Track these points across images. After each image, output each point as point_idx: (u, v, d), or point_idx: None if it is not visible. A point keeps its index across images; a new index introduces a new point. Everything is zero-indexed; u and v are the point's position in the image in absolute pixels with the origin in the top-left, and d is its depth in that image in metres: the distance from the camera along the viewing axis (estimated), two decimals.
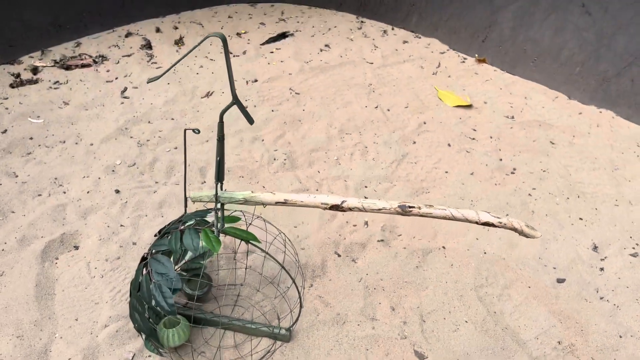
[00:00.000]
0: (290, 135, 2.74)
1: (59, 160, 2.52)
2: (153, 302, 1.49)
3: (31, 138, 2.66)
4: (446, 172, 2.53)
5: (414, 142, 2.72)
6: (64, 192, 2.34)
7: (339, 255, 2.08)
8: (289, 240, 1.84)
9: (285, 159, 2.57)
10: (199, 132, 1.33)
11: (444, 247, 2.11)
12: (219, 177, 1.42)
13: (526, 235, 1.31)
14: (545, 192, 2.40)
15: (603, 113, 2.91)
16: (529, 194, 2.38)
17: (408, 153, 2.64)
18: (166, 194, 2.33)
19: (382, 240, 2.14)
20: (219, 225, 1.51)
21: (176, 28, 3.74)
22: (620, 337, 1.77)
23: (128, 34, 3.61)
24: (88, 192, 2.35)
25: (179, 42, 3.58)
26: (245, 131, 2.76)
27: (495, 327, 1.80)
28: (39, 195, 2.32)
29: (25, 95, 2.98)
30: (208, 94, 3.07)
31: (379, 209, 1.33)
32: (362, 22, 3.92)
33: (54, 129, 2.74)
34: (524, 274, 2.00)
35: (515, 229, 1.31)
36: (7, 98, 2.95)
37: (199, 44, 1.19)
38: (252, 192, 1.44)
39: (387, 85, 3.18)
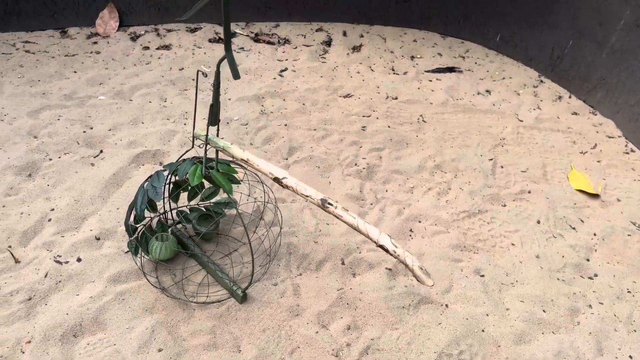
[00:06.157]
0: (387, 152, 2.77)
1: (207, 97, 3.04)
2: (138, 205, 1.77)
3: (193, 80, 3.25)
4: (512, 244, 2.25)
5: (504, 205, 2.47)
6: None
7: (343, 264, 2.07)
8: (277, 206, 1.93)
9: (364, 168, 2.62)
10: (206, 75, 1.54)
11: (446, 306, 1.92)
12: (212, 121, 1.61)
13: (417, 278, 1.17)
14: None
15: None
16: (610, 312, 1.98)
17: (487, 211, 2.42)
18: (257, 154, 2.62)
19: (390, 270, 2.05)
20: (211, 163, 1.72)
21: (362, 36, 4.03)
22: None
23: (319, 29, 4.04)
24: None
25: (357, 48, 3.86)
26: (347, 135, 2.88)
27: None
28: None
29: (213, 50, 3.63)
30: (347, 95, 3.28)
31: (306, 196, 1.35)
32: (541, 81, 3.61)
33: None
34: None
35: (406, 266, 1.18)
36: (200, 47, 3.64)
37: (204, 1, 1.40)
38: (231, 144, 1.60)
39: (520, 146, 2.92)
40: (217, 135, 1.74)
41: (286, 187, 1.42)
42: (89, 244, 2.01)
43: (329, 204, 1.31)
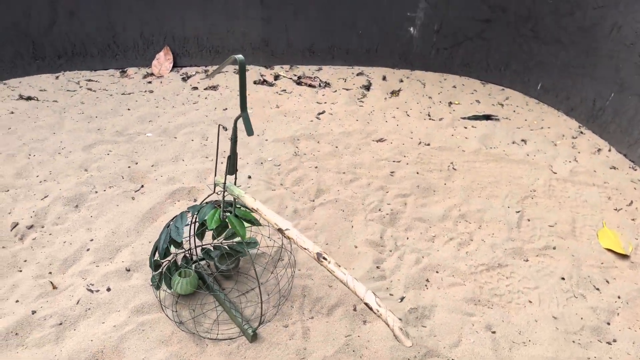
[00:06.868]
0: (412, 199, 2.81)
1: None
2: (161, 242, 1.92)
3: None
4: (530, 301, 2.22)
5: (525, 260, 2.45)
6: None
7: (355, 310, 2.13)
8: (294, 258, 2.03)
9: (387, 213, 2.68)
10: (226, 129, 1.69)
11: None
12: (229, 170, 1.75)
13: (396, 338, 1.22)
14: None
15: None
16: None
17: (507, 265, 2.41)
18: (279, 195, 2.74)
19: (400, 319, 2.08)
20: (230, 208, 1.85)
21: (401, 81, 4.13)
22: None
23: (360, 73, 4.18)
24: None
25: (395, 93, 3.96)
26: (375, 179, 2.95)
27: None
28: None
29: (257, 92, 3.83)
30: (380, 140, 3.37)
31: (304, 248, 1.44)
32: (581, 132, 3.55)
33: (253, 120, 3.47)
34: None
35: (387, 325, 1.23)
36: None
37: (224, 64, 1.55)
38: (245, 193, 1.73)
39: (551, 199, 2.89)
40: (235, 182, 1.87)
41: (288, 238, 1.52)
42: (119, 274, 2.18)
43: (324, 258, 1.39)
